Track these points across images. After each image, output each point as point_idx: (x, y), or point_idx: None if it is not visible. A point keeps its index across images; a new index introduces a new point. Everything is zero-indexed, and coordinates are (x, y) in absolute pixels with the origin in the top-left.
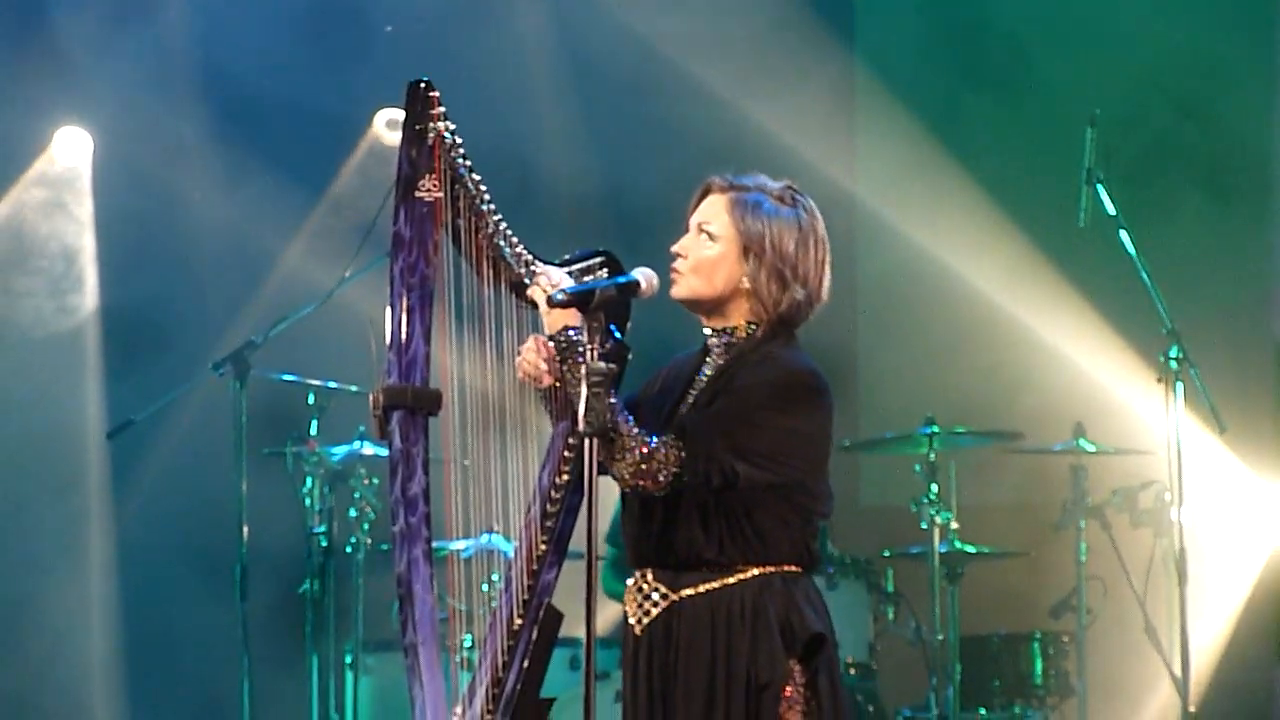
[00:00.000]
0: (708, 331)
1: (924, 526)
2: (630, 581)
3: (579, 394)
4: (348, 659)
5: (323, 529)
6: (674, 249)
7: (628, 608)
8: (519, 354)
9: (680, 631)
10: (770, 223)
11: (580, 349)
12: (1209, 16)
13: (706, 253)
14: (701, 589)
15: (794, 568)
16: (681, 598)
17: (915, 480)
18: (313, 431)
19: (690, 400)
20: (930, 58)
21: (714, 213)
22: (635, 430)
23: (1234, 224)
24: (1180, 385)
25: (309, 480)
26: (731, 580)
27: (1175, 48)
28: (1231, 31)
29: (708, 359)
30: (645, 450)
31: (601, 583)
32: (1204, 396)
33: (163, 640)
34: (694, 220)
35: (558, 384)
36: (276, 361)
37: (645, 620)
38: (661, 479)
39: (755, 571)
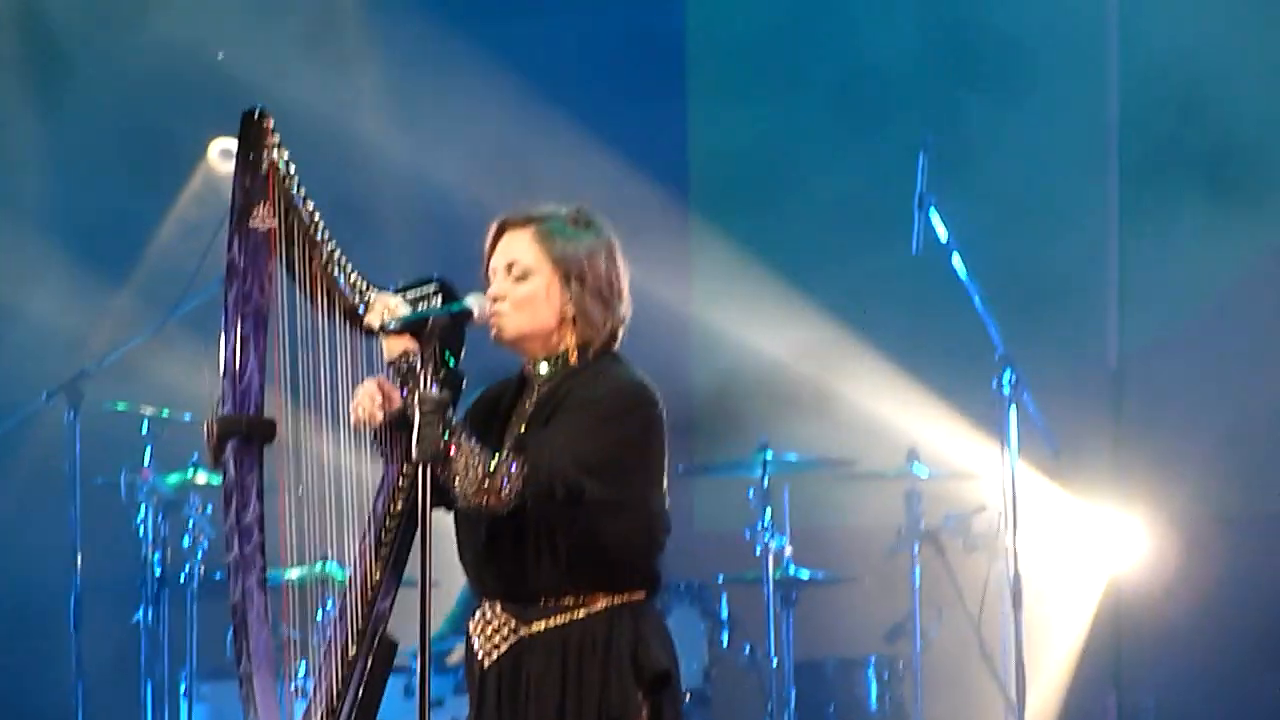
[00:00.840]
0: (532, 362)
1: (758, 552)
2: (478, 613)
3: (413, 420)
4: (182, 687)
5: (157, 557)
6: (490, 294)
7: (475, 639)
8: (354, 392)
9: (530, 666)
10: (580, 247)
11: (415, 376)
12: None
13: (526, 289)
14: (552, 622)
15: (641, 595)
16: (532, 632)
17: (749, 506)
18: (146, 460)
19: (520, 424)
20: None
21: (520, 249)
22: (477, 447)
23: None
24: (1014, 410)
25: (143, 509)
26: (581, 614)
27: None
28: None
29: (529, 385)
30: (487, 467)
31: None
32: (1037, 421)
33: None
34: (497, 263)
35: (388, 423)
36: (110, 390)
37: (495, 654)
38: (504, 494)
39: (604, 603)
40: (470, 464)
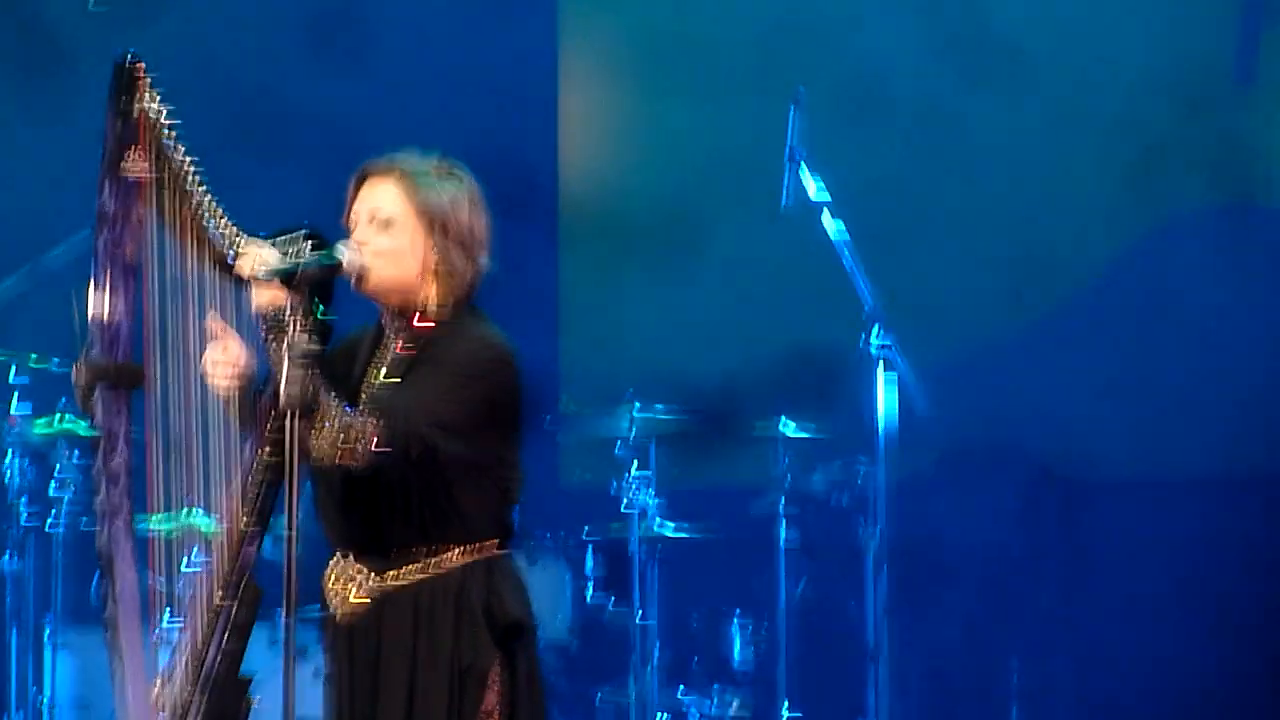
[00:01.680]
0: (390, 312)
1: (625, 508)
2: (332, 563)
3: (281, 369)
4: (46, 634)
5: (23, 503)
6: (353, 241)
7: (329, 591)
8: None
9: (384, 618)
10: (444, 196)
11: (284, 325)
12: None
13: (389, 240)
14: (405, 573)
15: (495, 546)
16: (385, 585)
17: (617, 460)
18: (13, 407)
19: (377, 376)
20: None
21: (385, 198)
22: (336, 403)
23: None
24: (881, 367)
25: (9, 455)
26: (435, 567)
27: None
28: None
29: (386, 337)
30: (343, 423)
31: None
32: (907, 378)
33: None
34: (360, 209)
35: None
36: None
37: (348, 604)
38: (360, 453)
39: (458, 555)
40: (329, 420)
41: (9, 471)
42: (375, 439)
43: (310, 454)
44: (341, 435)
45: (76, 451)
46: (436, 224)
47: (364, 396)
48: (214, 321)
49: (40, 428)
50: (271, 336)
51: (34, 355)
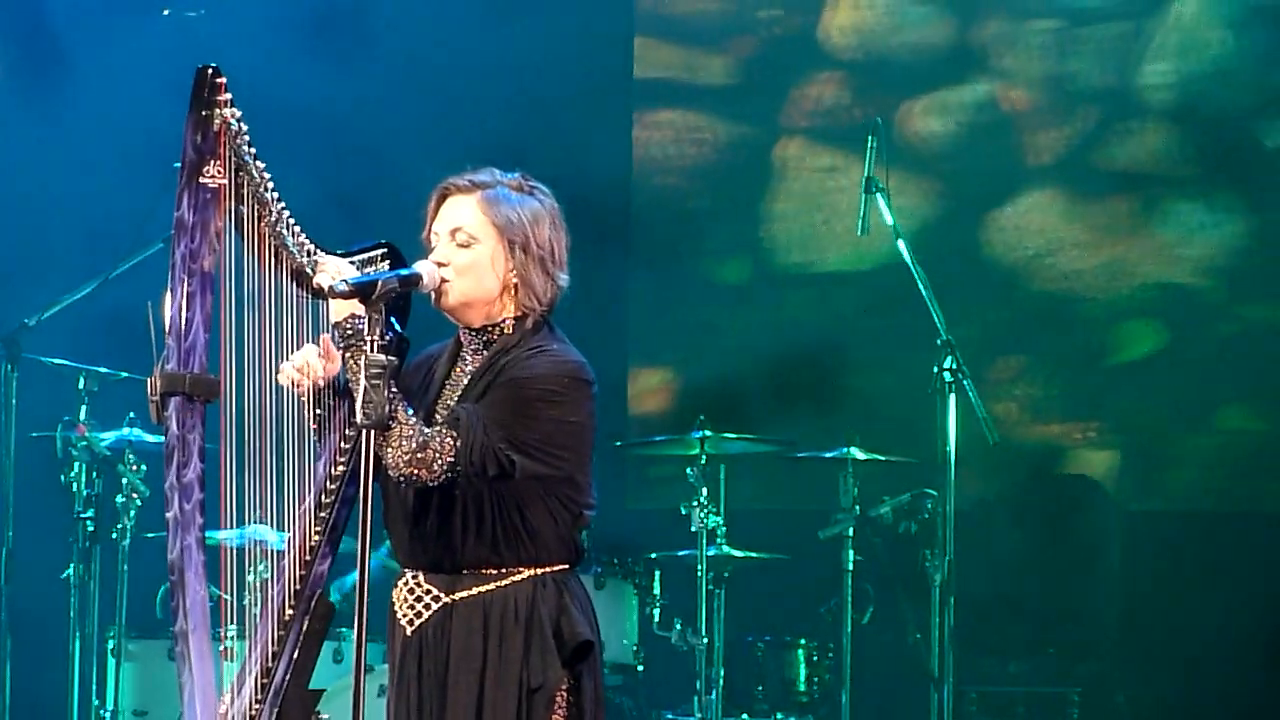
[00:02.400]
0: (468, 330)
1: (693, 530)
2: (401, 581)
3: (358, 384)
4: (110, 644)
5: (89, 514)
6: (434, 259)
7: (397, 606)
8: (290, 358)
9: (453, 634)
10: (525, 214)
11: (361, 340)
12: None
13: (470, 255)
14: (475, 591)
15: (563, 566)
16: (455, 600)
17: (685, 483)
18: (82, 417)
19: (454, 394)
20: None
21: (465, 215)
22: (413, 419)
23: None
24: (953, 396)
25: (76, 465)
26: (505, 583)
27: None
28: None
29: (464, 354)
30: (421, 439)
31: None
32: (977, 408)
33: None
34: (440, 227)
35: (327, 389)
36: (48, 345)
37: (418, 621)
38: (436, 468)
39: (528, 573)
40: (405, 434)
41: (76, 481)
42: (451, 455)
43: (383, 465)
44: (418, 450)
45: (143, 463)
46: (517, 241)
47: (440, 413)
48: (326, 340)
49: (107, 438)
50: (348, 351)
51: (104, 366)
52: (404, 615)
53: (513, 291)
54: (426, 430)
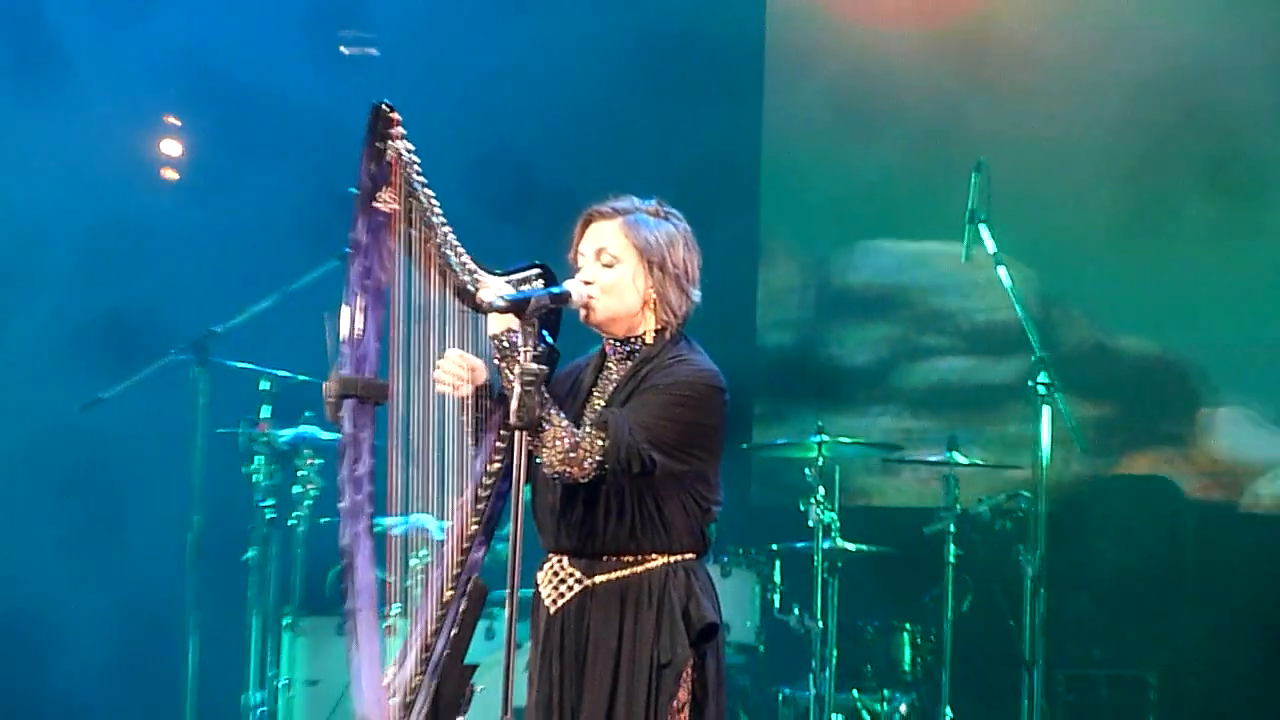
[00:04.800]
0: (613, 341)
1: (810, 524)
2: (546, 565)
3: (513, 390)
4: (285, 621)
5: (269, 503)
6: (581, 279)
7: (542, 588)
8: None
9: (592, 613)
10: (662, 236)
11: (516, 350)
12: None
13: (613, 275)
14: (614, 575)
15: (692, 555)
16: (595, 583)
17: (804, 482)
18: (264, 415)
19: (601, 399)
20: None
21: (608, 238)
22: (565, 421)
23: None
24: (1046, 408)
25: (258, 459)
26: (640, 569)
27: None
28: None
29: (609, 364)
30: (573, 440)
31: None
32: (1066, 417)
33: (129, 598)
34: (586, 249)
35: (475, 392)
36: (234, 350)
37: (560, 601)
38: (586, 466)
39: (661, 560)
40: (558, 436)
41: (257, 473)
42: (600, 454)
43: (536, 462)
44: (570, 450)
45: (318, 458)
46: (655, 261)
47: (588, 416)
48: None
49: (286, 435)
50: (504, 361)
51: (284, 370)
52: (548, 596)
53: (652, 307)
54: (577, 432)
